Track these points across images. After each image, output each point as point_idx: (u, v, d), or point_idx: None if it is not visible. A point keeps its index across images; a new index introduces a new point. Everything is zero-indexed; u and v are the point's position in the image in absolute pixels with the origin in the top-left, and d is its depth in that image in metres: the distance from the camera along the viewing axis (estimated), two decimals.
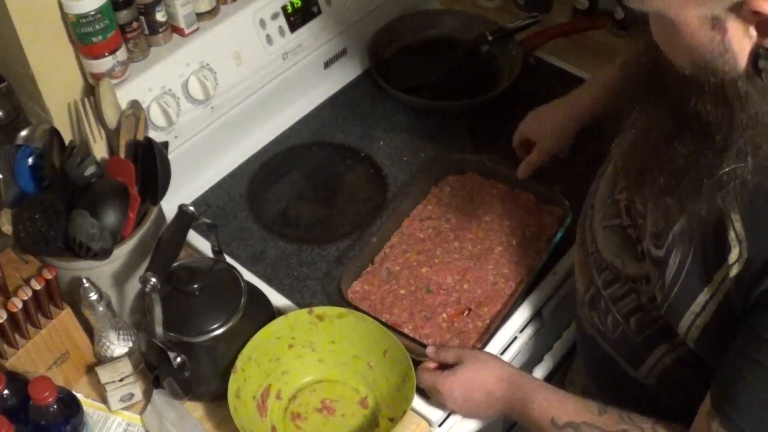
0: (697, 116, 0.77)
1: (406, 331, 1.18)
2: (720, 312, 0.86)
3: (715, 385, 0.87)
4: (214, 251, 1.19)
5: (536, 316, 1.26)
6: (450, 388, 1.08)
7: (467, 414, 1.12)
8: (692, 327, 0.89)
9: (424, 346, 1.14)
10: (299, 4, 1.46)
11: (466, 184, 1.37)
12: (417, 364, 1.12)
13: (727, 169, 0.76)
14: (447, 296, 1.23)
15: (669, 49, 0.77)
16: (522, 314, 1.24)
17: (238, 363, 1.10)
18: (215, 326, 1.09)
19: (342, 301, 1.20)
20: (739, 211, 0.81)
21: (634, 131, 0.88)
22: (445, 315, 1.20)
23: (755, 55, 0.72)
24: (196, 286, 1.10)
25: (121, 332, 1.15)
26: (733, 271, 0.82)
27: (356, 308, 1.18)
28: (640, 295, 0.97)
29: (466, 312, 1.21)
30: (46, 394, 0.98)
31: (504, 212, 1.32)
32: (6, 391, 1.02)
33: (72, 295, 1.14)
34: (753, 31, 0.71)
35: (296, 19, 1.47)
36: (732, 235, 0.81)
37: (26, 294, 1.06)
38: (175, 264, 1.10)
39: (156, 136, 1.27)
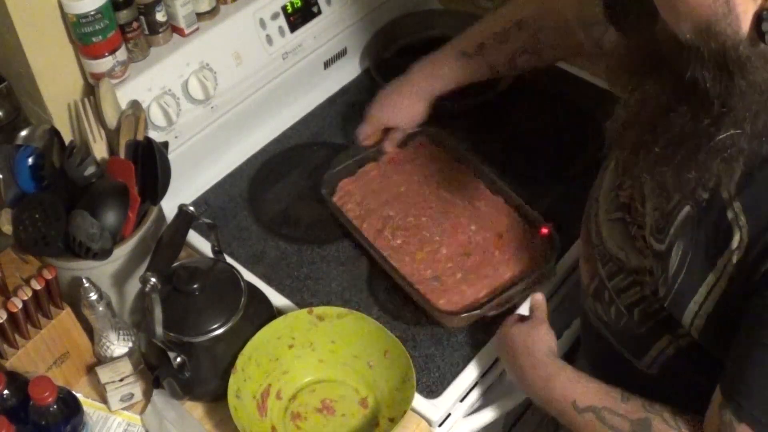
0: (694, 85, 0.75)
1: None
2: (724, 300, 0.86)
3: (725, 375, 0.86)
4: (214, 251, 1.19)
5: None
6: (508, 327, 1.13)
7: (500, 355, 1.17)
8: (696, 317, 0.89)
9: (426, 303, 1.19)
10: (299, 4, 1.46)
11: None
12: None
13: (723, 135, 0.75)
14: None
15: (669, 14, 0.75)
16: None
17: (238, 363, 1.10)
18: (215, 326, 1.09)
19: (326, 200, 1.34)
20: (738, 197, 0.81)
21: (628, 108, 0.87)
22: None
23: (758, 19, 0.70)
24: (196, 286, 1.10)
25: (121, 332, 1.15)
26: (735, 257, 0.82)
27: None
28: (643, 287, 0.97)
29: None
30: (46, 394, 0.98)
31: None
32: (6, 391, 1.02)
33: (72, 295, 1.14)
34: None
35: (296, 19, 1.47)
36: (733, 221, 0.81)
37: (26, 294, 1.06)
38: (175, 264, 1.10)
39: (156, 136, 1.27)
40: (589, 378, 1.02)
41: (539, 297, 1.17)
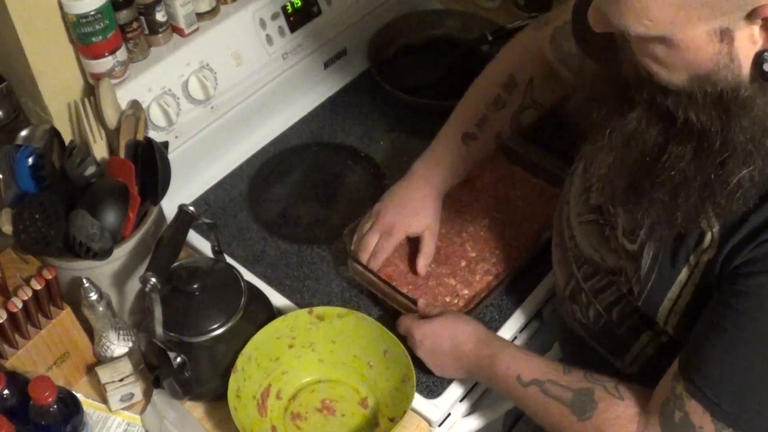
0: (687, 125, 0.76)
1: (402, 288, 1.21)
2: (697, 296, 0.88)
3: (685, 352, 0.88)
4: (214, 251, 1.19)
5: (536, 316, 1.26)
6: (423, 335, 1.11)
7: (434, 365, 1.13)
8: (671, 314, 0.91)
9: (415, 302, 1.16)
10: (299, 4, 1.46)
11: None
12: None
13: (740, 176, 0.76)
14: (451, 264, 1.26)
15: (662, 70, 0.76)
16: (522, 314, 1.24)
17: (238, 363, 1.10)
18: (215, 326, 1.09)
19: (347, 255, 1.24)
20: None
21: (613, 152, 0.85)
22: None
23: (759, 59, 0.72)
24: (196, 286, 1.10)
25: (121, 332, 1.15)
26: (707, 256, 0.84)
27: (359, 262, 1.21)
28: (620, 286, 0.98)
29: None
30: (46, 394, 0.98)
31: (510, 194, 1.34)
32: (6, 391, 1.02)
33: (72, 295, 1.14)
34: (759, 37, 0.71)
35: (296, 19, 1.47)
36: (704, 222, 0.82)
37: (26, 294, 1.06)
38: (175, 264, 1.10)
39: (156, 136, 1.27)
40: (532, 354, 1.04)
41: (423, 302, 1.16)
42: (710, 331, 0.85)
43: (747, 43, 0.71)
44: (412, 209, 1.23)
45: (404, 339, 1.14)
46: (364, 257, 1.21)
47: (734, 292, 0.82)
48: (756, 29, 0.70)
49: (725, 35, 0.70)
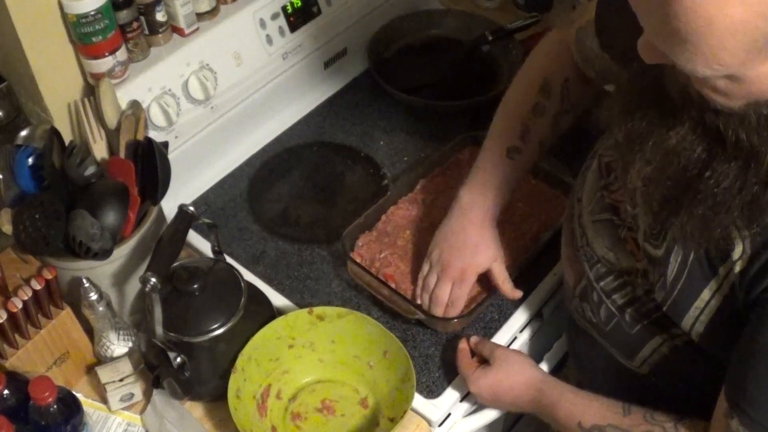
0: (737, 145, 0.75)
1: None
2: (725, 307, 0.86)
3: (729, 384, 0.86)
4: (214, 251, 1.19)
5: (536, 316, 1.27)
6: (479, 389, 1.12)
7: (495, 408, 1.16)
8: (697, 322, 0.89)
9: (417, 306, 1.18)
10: (299, 4, 1.46)
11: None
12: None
13: None
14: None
15: (720, 97, 0.73)
16: (522, 314, 1.24)
17: (238, 363, 1.10)
18: (215, 326, 1.09)
19: (345, 255, 1.25)
20: None
21: (651, 164, 0.83)
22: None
23: None
24: (196, 286, 1.10)
25: (121, 332, 1.15)
26: (738, 267, 0.82)
27: (357, 264, 1.22)
28: (636, 288, 0.97)
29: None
30: (46, 394, 0.98)
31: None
32: (6, 391, 1.02)
33: (72, 295, 1.14)
34: None
35: (296, 19, 1.47)
36: (735, 232, 0.81)
37: (26, 294, 1.06)
38: (175, 264, 1.10)
39: (156, 136, 1.27)
40: (591, 396, 1.03)
41: (474, 340, 1.16)
42: (754, 358, 0.82)
43: None
44: (474, 248, 1.17)
45: (443, 347, 1.19)
46: (439, 311, 1.19)
47: None
48: None
49: None
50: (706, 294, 0.87)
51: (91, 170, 1.16)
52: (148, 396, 1.15)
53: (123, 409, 1.15)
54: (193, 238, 1.32)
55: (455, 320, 1.18)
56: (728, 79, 0.70)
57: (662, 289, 0.91)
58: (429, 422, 1.14)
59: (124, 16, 1.22)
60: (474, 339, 1.17)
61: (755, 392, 0.83)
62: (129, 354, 1.15)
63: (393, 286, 1.22)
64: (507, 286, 1.20)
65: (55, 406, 1.00)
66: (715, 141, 0.77)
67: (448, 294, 1.18)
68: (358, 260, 1.26)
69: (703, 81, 0.72)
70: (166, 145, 1.23)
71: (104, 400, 1.15)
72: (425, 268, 1.21)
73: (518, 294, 1.21)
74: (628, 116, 0.85)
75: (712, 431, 0.89)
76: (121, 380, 1.13)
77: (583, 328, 1.09)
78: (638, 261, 0.95)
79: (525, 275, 1.26)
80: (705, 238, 0.82)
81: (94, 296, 1.09)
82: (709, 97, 0.74)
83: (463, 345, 1.16)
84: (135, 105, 1.23)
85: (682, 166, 0.80)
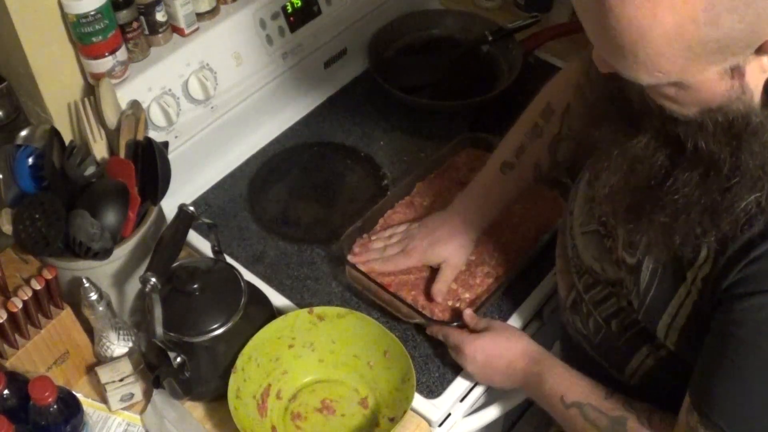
0: (696, 152, 0.76)
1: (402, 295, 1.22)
2: (696, 312, 0.87)
3: (692, 383, 0.88)
4: (214, 251, 1.19)
5: (536, 316, 1.27)
6: (474, 350, 1.11)
7: (483, 379, 1.15)
8: (670, 330, 0.91)
9: (415, 309, 1.17)
10: (299, 4, 1.46)
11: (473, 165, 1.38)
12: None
13: (747, 201, 0.76)
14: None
15: (674, 105, 0.75)
16: (522, 314, 1.25)
17: (238, 363, 1.10)
18: (215, 326, 1.09)
19: (344, 260, 1.25)
20: None
21: (617, 174, 0.85)
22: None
23: None
24: (196, 286, 1.10)
25: (121, 332, 1.15)
26: (702, 272, 0.84)
27: (356, 268, 1.22)
28: (620, 298, 0.98)
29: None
30: (46, 394, 0.98)
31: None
32: (6, 391, 1.02)
33: (72, 295, 1.14)
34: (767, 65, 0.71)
35: (296, 19, 1.47)
36: (699, 238, 0.82)
37: (26, 294, 1.06)
38: (175, 264, 1.10)
39: (156, 136, 1.27)
40: (580, 375, 1.04)
41: (468, 313, 1.17)
42: (715, 361, 0.84)
43: (757, 73, 0.71)
44: (435, 239, 1.24)
45: (443, 347, 1.17)
46: (372, 255, 1.24)
47: (733, 319, 0.81)
48: (765, 59, 0.70)
49: (736, 71, 0.70)
50: (676, 301, 0.88)
51: (91, 170, 1.16)
52: (148, 396, 1.15)
53: (123, 409, 1.15)
54: (193, 238, 1.32)
55: (455, 324, 1.17)
56: (676, 87, 0.72)
57: (637, 296, 0.93)
58: (429, 422, 1.14)
59: (124, 16, 1.22)
60: (468, 311, 1.16)
61: (716, 396, 0.84)
62: (129, 354, 1.15)
63: (391, 290, 1.22)
64: (436, 287, 1.22)
65: (55, 406, 1.00)
66: (676, 149, 0.78)
67: (390, 253, 1.24)
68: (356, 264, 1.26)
69: (655, 89, 0.74)
70: (166, 145, 1.23)
71: (104, 400, 1.15)
72: (395, 229, 1.29)
73: (438, 298, 1.21)
74: (595, 126, 0.87)
75: (677, 425, 0.91)
76: (121, 380, 1.13)
77: (576, 342, 1.09)
78: (621, 270, 0.96)
79: (525, 276, 1.27)
80: (667, 245, 0.83)
81: (94, 296, 1.09)
82: (664, 105, 0.76)
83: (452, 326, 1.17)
84: (135, 105, 1.23)
85: (646, 175, 0.82)
